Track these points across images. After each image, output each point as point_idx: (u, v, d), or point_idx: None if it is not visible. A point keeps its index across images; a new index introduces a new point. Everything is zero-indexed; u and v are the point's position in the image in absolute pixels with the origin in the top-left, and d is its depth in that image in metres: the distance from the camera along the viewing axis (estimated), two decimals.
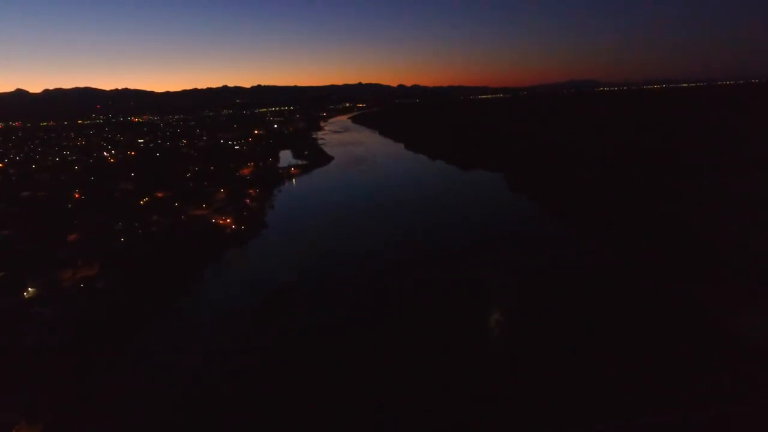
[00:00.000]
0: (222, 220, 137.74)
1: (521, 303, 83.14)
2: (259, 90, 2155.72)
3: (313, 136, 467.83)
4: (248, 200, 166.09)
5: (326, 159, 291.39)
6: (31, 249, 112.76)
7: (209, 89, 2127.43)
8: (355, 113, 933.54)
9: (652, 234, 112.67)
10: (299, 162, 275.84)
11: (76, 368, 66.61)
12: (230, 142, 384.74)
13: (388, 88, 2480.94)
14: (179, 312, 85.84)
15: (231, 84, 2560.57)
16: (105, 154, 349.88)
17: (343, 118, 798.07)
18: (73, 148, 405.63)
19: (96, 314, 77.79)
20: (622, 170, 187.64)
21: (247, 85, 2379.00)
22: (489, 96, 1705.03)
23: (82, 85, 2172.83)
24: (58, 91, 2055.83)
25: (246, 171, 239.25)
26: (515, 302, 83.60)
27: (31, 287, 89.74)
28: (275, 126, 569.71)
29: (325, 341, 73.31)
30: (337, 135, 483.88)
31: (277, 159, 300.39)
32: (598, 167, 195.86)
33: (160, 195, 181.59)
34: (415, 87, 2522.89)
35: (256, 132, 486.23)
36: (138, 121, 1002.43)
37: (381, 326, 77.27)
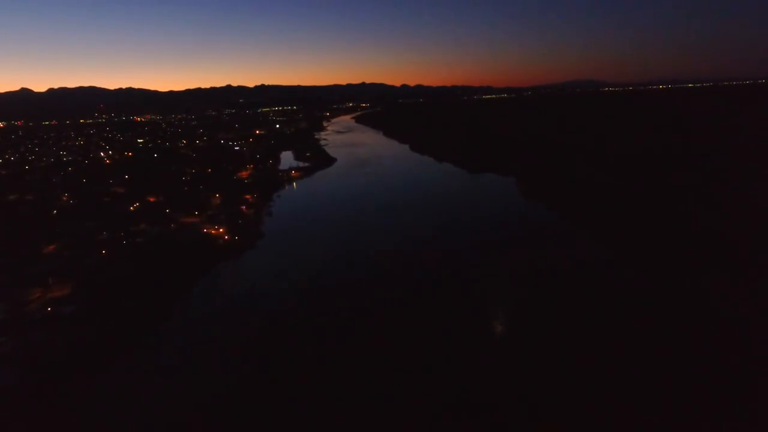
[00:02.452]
0: (214, 229, 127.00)
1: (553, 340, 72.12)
2: (262, 89, 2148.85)
3: (316, 136, 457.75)
4: (244, 207, 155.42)
5: (329, 161, 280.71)
6: (2, 262, 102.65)
7: (213, 88, 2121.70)
8: (358, 113, 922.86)
9: (692, 249, 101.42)
10: (301, 164, 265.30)
11: None
12: (230, 143, 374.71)
13: (391, 87, 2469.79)
14: (156, 345, 74.46)
15: (235, 83, 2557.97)
16: (102, 154, 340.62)
17: (347, 118, 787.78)
18: (71, 148, 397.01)
19: (54, 349, 67.03)
20: (641, 173, 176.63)
21: (251, 84, 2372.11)
22: (493, 96, 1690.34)
23: (86, 84, 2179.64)
24: (63, 90, 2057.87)
25: (244, 173, 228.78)
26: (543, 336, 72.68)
27: None
28: (277, 126, 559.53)
29: (328, 398, 60.66)
30: (340, 135, 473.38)
31: (277, 160, 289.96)
32: (615, 170, 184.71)
33: (152, 200, 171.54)
34: (419, 87, 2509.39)
35: (257, 132, 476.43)
36: (140, 120, 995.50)
37: (392, 367, 66.41)
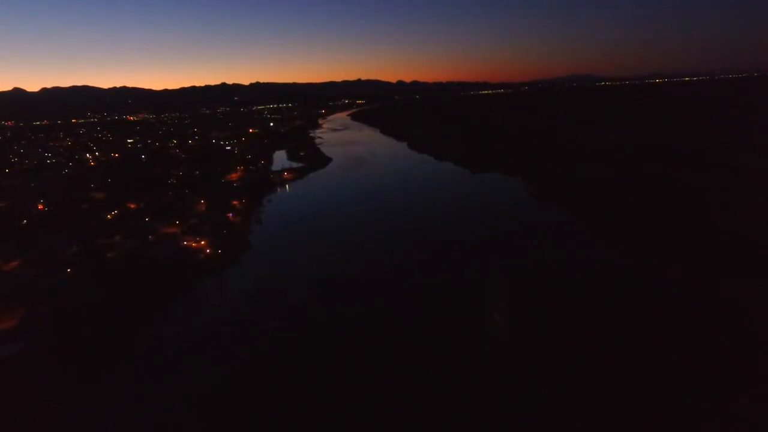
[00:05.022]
0: (195, 242, 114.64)
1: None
2: (257, 87, 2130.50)
3: (311, 134, 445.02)
4: (231, 214, 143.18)
5: (324, 161, 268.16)
6: None
7: (208, 86, 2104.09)
8: (354, 110, 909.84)
9: (717, 251, 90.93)
10: (294, 164, 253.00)
11: None
12: (222, 142, 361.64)
13: (387, 84, 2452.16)
14: (108, 398, 61.75)
15: (230, 81, 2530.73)
16: (87, 156, 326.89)
17: (343, 115, 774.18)
18: (57, 150, 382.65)
19: None
20: (651, 171, 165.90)
21: (246, 82, 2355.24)
22: (489, 91, 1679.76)
23: (80, 83, 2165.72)
24: (56, 90, 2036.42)
25: (234, 176, 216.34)
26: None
27: None
28: (271, 124, 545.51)
29: None
30: (336, 133, 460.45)
31: (270, 161, 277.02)
32: (625, 169, 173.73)
33: (132, 206, 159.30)
34: (415, 83, 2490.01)
35: (250, 131, 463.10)
36: (133, 119, 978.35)
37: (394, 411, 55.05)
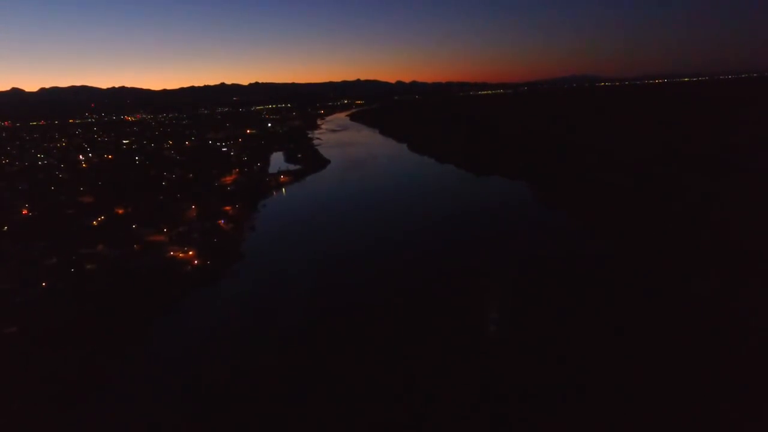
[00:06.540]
0: (182, 252, 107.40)
1: None
2: (256, 87, 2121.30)
3: (309, 135, 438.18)
4: (223, 221, 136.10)
5: (322, 163, 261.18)
6: None
7: (207, 87, 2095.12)
8: (353, 110, 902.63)
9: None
10: (291, 167, 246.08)
11: None
12: (218, 143, 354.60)
13: (386, 84, 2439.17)
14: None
15: (229, 81, 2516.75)
16: (80, 157, 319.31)
17: (342, 116, 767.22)
18: (50, 151, 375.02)
19: None
20: (658, 172, 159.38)
21: (245, 82, 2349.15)
22: (489, 92, 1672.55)
23: (78, 83, 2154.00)
24: (55, 90, 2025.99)
25: (229, 179, 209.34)
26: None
27: None
28: (269, 125, 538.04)
29: None
30: (334, 134, 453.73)
31: (267, 163, 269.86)
32: (634, 173, 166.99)
33: (120, 212, 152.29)
34: (414, 83, 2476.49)
35: (248, 131, 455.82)
36: (131, 119, 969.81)
37: None
